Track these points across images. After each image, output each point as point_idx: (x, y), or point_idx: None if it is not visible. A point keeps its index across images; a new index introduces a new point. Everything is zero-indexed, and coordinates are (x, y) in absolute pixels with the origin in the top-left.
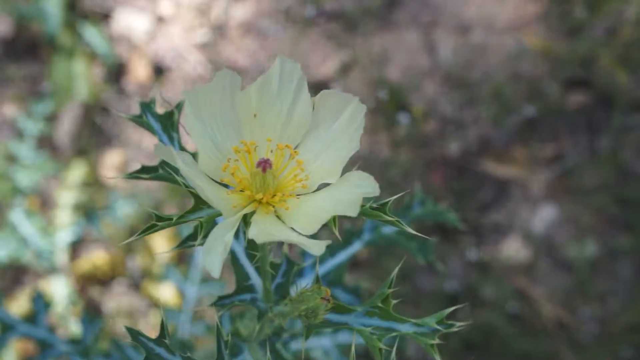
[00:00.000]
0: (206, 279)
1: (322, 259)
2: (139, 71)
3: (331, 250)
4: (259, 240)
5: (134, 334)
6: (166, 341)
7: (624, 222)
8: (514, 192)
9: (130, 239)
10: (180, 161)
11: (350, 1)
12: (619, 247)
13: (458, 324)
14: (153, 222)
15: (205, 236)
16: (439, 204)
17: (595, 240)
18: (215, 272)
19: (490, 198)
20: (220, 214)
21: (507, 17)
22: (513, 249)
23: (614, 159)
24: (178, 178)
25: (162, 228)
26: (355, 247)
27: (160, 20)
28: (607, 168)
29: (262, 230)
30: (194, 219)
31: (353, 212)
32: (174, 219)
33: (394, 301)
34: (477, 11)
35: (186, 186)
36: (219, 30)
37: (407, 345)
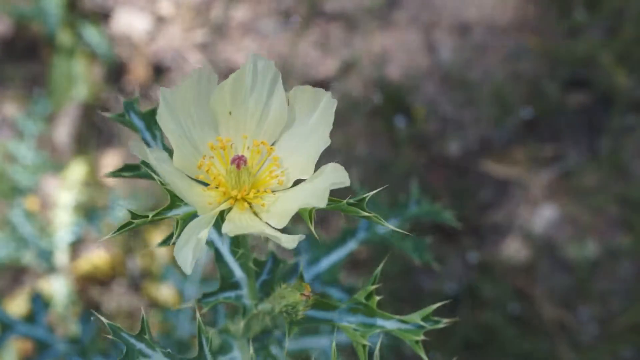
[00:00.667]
0: (206, 279)
1: (317, 258)
2: (139, 71)
3: (326, 249)
4: (232, 233)
5: (114, 329)
6: (146, 337)
7: (624, 222)
8: (514, 192)
9: (107, 236)
10: (152, 158)
11: (350, 1)
12: (619, 247)
13: (444, 320)
14: (129, 219)
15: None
16: (435, 203)
17: (595, 240)
18: (187, 269)
19: (490, 198)
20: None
21: (507, 17)
22: (513, 249)
23: (614, 159)
24: (155, 176)
25: (138, 225)
26: (350, 246)
27: (160, 20)
28: (607, 168)
29: (237, 225)
30: (170, 216)
31: (321, 203)
32: (150, 216)
33: (378, 297)
34: (477, 11)
35: (162, 184)
36: (219, 30)
37: (405, 345)
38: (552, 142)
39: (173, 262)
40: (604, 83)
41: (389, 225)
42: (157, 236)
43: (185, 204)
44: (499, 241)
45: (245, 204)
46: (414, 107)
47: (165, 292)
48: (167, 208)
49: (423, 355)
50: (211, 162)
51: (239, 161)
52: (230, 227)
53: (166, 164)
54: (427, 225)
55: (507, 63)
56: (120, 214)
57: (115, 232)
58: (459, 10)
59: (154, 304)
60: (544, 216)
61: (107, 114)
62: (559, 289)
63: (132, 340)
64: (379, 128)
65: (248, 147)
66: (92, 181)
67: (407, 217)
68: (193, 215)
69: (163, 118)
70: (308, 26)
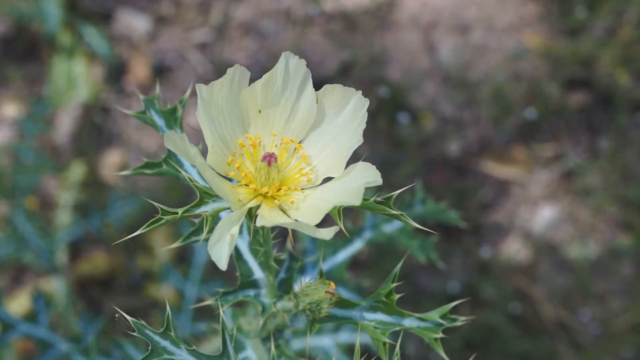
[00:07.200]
0: (206, 279)
1: (324, 257)
2: (139, 71)
3: (333, 249)
4: (268, 224)
5: (140, 327)
6: (172, 334)
7: (624, 222)
8: (514, 192)
9: (136, 233)
10: (192, 151)
11: (350, 1)
12: (619, 247)
13: (461, 318)
14: (159, 216)
15: (211, 230)
16: (439, 203)
17: (595, 240)
18: (223, 264)
19: (491, 198)
20: (225, 208)
21: (507, 17)
22: (513, 249)
23: (615, 159)
24: (182, 172)
25: (168, 222)
26: (357, 245)
27: (160, 20)
28: (608, 168)
29: (268, 221)
30: (199, 213)
31: (356, 201)
32: (180, 212)
33: (397, 296)
34: (477, 11)
35: (190, 180)
36: (219, 30)
37: (408, 344)
38: (552, 142)
39: (173, 262)
40: (604, 83)
41: (415, 224)
42: (156, 236)
43: (214, 201)
44: (499, 241)
45: (275, 201)
46: (415, 107)
47: (165, 292)
48: (195, 205)
49: (442, 352)
50: (241, 160)
51: (269, 158)
52: (263, 222)
53: (203, 159)
54: (428, 225)
55: (507, 63)
56: (120, 214)
57: (145, 228)
58: (459, 10)
59: (154, 304)
60: (544, 216)
61: (128, 111)
62: (559, 289)
63: (157, 338)
64: (380, 128)
65: (276, 145)
66: (92, 181)
67: (413, 217)
68: (220, 213)
69: (200, 114)
70: (308, 26)
